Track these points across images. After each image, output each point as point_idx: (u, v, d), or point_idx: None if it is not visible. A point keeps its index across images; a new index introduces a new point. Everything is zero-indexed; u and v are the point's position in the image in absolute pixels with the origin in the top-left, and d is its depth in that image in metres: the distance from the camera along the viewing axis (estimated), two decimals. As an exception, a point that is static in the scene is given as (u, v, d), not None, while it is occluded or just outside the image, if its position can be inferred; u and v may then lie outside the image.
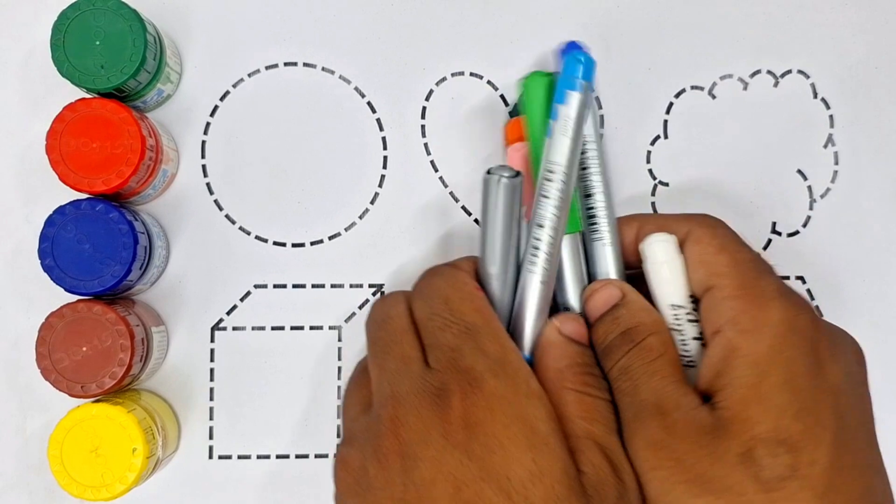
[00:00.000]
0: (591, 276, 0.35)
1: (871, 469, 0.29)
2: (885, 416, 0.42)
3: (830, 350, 0.30)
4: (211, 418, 0.41)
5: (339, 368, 0.41)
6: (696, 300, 0.33)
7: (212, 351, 0.41)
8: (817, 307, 0.42)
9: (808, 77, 0.42)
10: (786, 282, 0.36)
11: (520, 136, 0.37)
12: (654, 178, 0.42)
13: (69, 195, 0.37)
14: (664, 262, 0.33)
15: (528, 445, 0.28)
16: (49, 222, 0.36)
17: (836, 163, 0.42)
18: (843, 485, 0.28)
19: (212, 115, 0.41)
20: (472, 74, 0.42)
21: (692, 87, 0.42)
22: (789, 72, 0.42)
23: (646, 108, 0.42)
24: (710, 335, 0.31)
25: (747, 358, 0.29)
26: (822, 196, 0.42)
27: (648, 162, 0.42)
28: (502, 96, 0.42)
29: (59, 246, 0.36)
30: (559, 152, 0.33)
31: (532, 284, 0.33)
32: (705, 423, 0.28)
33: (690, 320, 0.32)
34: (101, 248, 0.36)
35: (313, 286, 0.41)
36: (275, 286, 0.41)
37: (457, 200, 0.41)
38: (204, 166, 0.41)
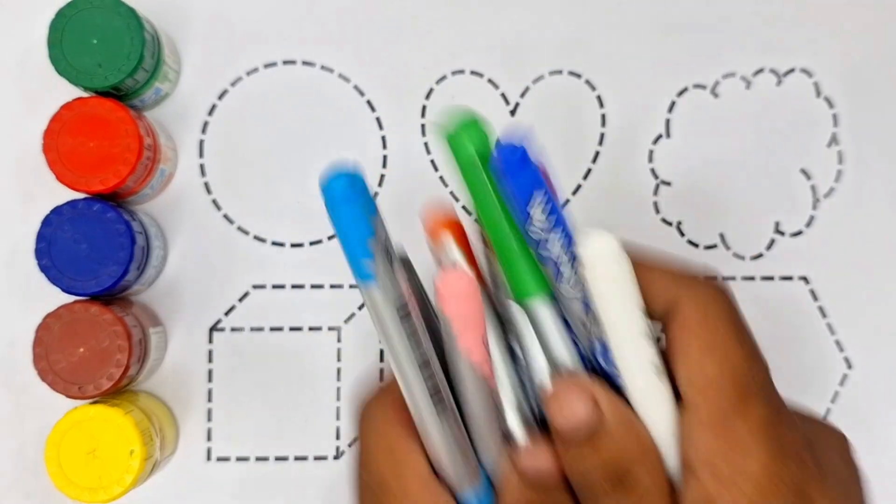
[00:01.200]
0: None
1: None
2: (887, 417, 0.42)
3: (819, 484, 0.27)
4: (209, 420, 0.40)
5: (339, 370, 0.41)
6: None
7: (210, 352, 0.40)
8: (820, 308, 0.42)
9: (811, 75, 0.42)
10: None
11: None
12: (657, 178, 0.42)
13: (66, 195, 0.37)
14: (610, 278, 0.24)
15: None
16: (46, 222, 0.36)
17: (841, 162, 0.42)
18: None
19: (210, 113, 0.41)
20: (472, 73, 0.41)
21: (695, 86, 0.42)
22: (792, 70, 0.42)
23: (648, 106, 0.42)
24: (684, 466, 0.26)
25: None
26: (826, 196, 0.42)
27: (651, 161, 0.42)
28: (503, 95, 0.41)
29: (56, 246, 0.36)
30: None
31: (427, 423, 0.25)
32: None
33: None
34: (99, 248, 0.36)
35: (312, 286, 0.41)
36: (273, 287, 0.41)
37: (457, 200, 0.41)
38: (202, 165, 0.41)
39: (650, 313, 0.26)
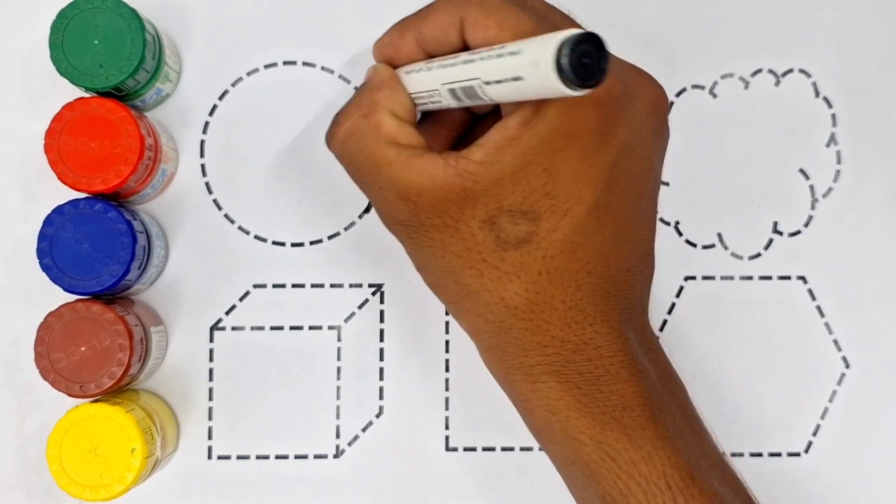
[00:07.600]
0: None
1: (628, 223, 0.32)
2: (885, 416, 0.42)
3: (618, 118, 0.30)
4: (210, 418, 0.40)
5: (339, 368, 0.41)
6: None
7: (211, 351, 0.41)
8: (818, 307, 0.42)
9: (809, 76, 0.42)
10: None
11: None
12: (655, 178, 0.42)
13: (68, 194, 0.37)
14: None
15: None
16: (48, 221, 0.36)
17: (839, 162, 0.42)
18: (582, 244, 0.31)
19: (211, 114, 0.41)
20: (472, 73, 0.41)
21: (693, 87, 0.42)
22: (790, 71, 0.42)
23: (646, 107, 0.42)
24: (503, 114, 0.31)
25: (517, 148, 0.30)
26: (824, 195, 0.42)
27: (649, 161, 0.42)
28: (502, 95, 0.41)
29: (58, 245, 0.36)
30: None
31: None
32: (453, 191, 0.30)
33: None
34: (100, 248, 0.36)
35: (313, 286, 0.41)
36: (274, 286, 0.41)
37: (457, 200, 0.41)
38: (203, 165, 0.41)
39: (454, 44, 0.32)
